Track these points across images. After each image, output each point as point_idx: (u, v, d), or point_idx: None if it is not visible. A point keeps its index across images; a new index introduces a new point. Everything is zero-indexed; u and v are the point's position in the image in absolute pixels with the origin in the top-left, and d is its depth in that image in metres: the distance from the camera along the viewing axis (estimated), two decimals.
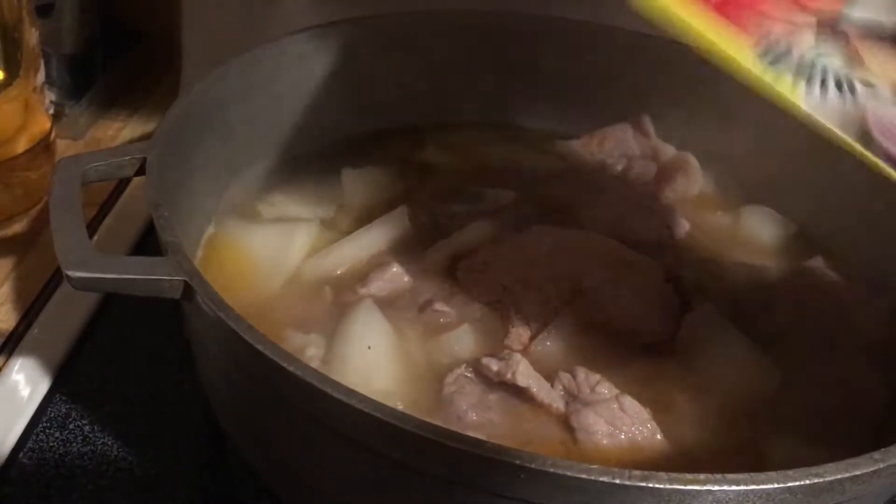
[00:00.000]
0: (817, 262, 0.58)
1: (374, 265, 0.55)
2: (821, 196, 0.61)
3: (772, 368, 0.50)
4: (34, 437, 0.54)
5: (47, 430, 0.54)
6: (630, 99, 0.68)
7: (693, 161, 0.65)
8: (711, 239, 0.62)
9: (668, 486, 0.32)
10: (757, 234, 0.63)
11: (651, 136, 0.67)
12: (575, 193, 0.63)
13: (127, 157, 0.47)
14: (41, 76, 0.69)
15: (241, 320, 0.37)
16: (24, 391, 0.56)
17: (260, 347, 0.36)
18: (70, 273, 0.40)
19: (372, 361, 0.48)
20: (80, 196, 0.44)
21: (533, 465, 0.33)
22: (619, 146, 0.67)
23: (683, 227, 0.61)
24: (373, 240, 0.58)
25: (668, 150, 0.67)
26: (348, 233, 0.58)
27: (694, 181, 0.65)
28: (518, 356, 0.47)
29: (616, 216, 0.60)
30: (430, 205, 0.62)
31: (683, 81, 0.64)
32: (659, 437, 0.45)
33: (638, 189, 0.64)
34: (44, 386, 0.57)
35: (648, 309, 0.53)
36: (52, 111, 0.72)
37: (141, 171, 0.48)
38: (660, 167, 0.66)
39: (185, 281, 0.40)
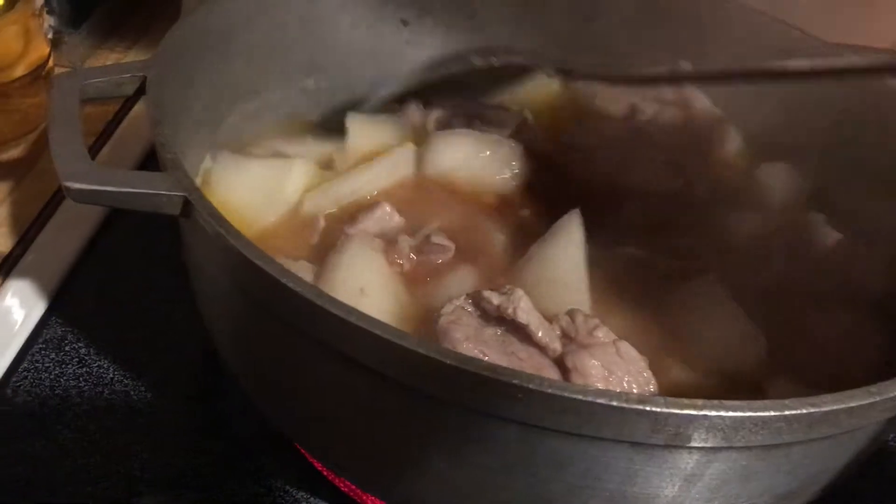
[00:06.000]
0: (816, 218, 0.57)
1: (365, 206, 0.54)
2: (825, 152, 0.59)
3: (757, 336, 0.48)
4: (29, 358, 0.54)
5: (43, 352, 0.54)
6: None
7: (722, 118, 0.62)
8: (723, 192, 0.59)
9: (664, 410, 0.32)
10: (768, 190, 0.60)
11: (684, 85, 0.63)
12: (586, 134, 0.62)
13: (127, 75, 0.46)
14: (40, 0, 0.68)
15: (240, 236, 0.37)
16: (20, 313, 0.56)
17: (259, 262, 0.36)
18: (69, 184, 0.39)
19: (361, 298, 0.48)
20: (78, 111, 0.43)
21: (530, 386, 0.32)
22: (653, 90, 0.64)
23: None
24: (376, 177, 0.57)
25: (701, 102, 0.63)
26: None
27: (722, 140, 0.61)
28: (520, 292, 0.46)
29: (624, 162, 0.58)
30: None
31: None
32: (652, 387, 0.44)
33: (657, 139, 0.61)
34: (39, 308, 0.57)
35: None
36: (50, 35, 0.71)
37: (140, 91, 0.47)
38: (687, 118, 0.62)
39: (184, 196, 0.39)
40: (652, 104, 0.63)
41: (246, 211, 0.53)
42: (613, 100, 0.64)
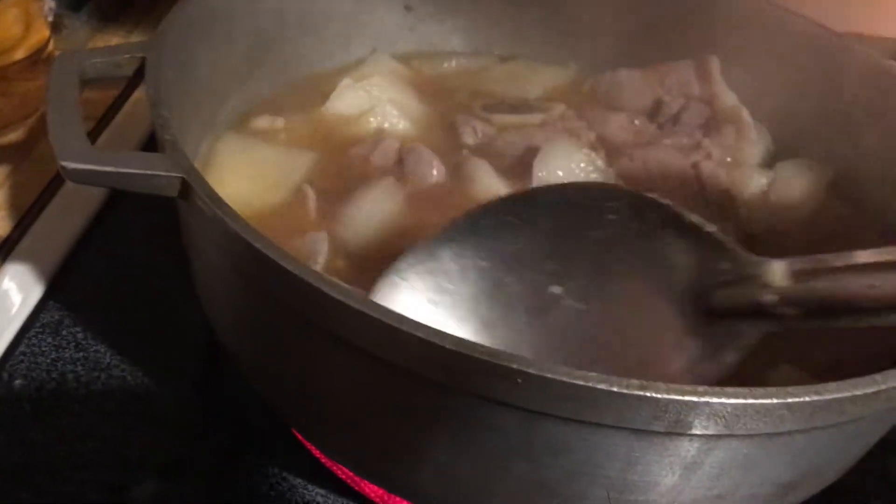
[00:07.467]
0: (835, 205, 0.57)
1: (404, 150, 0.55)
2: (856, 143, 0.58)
3: None
4: (26, 342, 0.53)
5: (40, 336, 0.54)
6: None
7: (746, 117, 0.60)
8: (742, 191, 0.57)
9: (665, 396, 0.32)
10: (790, 187, 0.58)
11: (713, 81, 0.61)
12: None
13: (126, 56, 0.46)
14: None
15: (239, 218, 0.37)
16: (17, 297, 0.56)
17: (258, 245, 0.35)
18: (66, 164, 0.39)
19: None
20: (77, 91, 0.43)
21: (530, 370, 0.32)
22: (680, 85, 0.62)
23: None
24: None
25: (728, 99, 0.61)
26: None
27: (743, 138, 0.59)
28: None
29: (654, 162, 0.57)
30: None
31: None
32: None
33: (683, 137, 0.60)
34: (36, 292, 0.56)
35: None
36: (51, 18, 0.70)
37: (140, 72, 0.46)
38: (712, 114, 0.61)
39: (182, 178, 0.39)
40: (678, 99, 0.61)
41: (247, 195, 0.53)
42: (639, 93, 0.63)
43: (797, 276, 0.39)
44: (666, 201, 0.43)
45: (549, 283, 0.40)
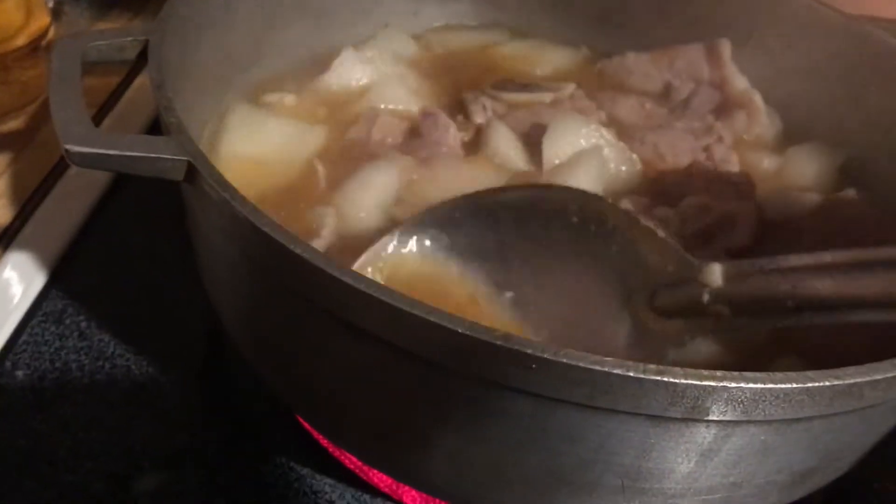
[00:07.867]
0: (850, 194, 0.56)
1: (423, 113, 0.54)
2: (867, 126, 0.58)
3: None
4: (29, 331, 0.53)
5: (43, 325, 0.53)
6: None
7: (758, 101, 0.60)
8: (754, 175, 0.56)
9: (682, 381, 0.31)
10: (801, 171, 0.58)
11: (724, 65, 0.61)
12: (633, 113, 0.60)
13: (129, 38, 0.45)
14: None
15: (247, 202, 0.36)
16: (19, 286, 0.55)
17: (267, 229, 0.35)
18: (70, 148, 0.38)
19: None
20: (80, 74, 0.42)
21: (545, 355, 0.31)
22: (689, 68, 0.62)
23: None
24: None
25: (739, 83, 0.61)
26: None
27: (754, 123, 0.59)
28: None
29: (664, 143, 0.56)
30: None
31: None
32: None
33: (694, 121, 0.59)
34: (39, 281, 0.56)
35: None
36: (51, 5, 0.70)
37: (143, 55, 0.46)
38: (723, 99, 0.60)
39: (188, 161, 0.38)
40: (688, 83, 0.61)
41: (257, 170, 0.52)
42: (648, 77, 0.62)
43: (731, 277, 0.41)
44: (624, 206, 0.46)
45: (504, 287, 0.43)
